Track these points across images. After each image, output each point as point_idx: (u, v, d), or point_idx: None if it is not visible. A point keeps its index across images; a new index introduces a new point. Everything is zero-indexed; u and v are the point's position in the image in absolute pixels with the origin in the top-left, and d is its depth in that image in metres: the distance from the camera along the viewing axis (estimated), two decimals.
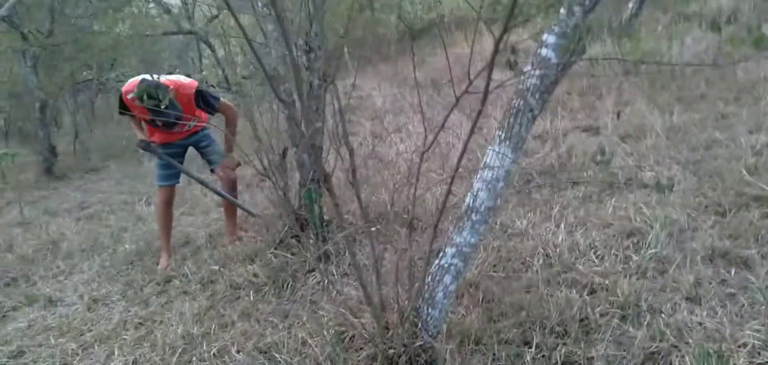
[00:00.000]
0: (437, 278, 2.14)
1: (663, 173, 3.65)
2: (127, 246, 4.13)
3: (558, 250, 2.95)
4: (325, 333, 2.42)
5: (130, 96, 3.40)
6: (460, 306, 2.54)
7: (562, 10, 2.16)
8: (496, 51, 1.46)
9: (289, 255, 3.33)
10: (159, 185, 3.76)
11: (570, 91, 6.07)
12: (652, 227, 3.00)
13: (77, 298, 3.44)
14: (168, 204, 3.80)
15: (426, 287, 2.15)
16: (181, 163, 3.79)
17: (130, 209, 5.35)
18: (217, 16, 10.59)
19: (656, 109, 4.76)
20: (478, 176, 2.18)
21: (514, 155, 2.16)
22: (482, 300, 2.58)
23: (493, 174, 2.14)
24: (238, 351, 2.52)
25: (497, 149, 2.16)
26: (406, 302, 2.08)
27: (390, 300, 2.17)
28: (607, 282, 2.58)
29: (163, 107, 3.27)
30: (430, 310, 2.13)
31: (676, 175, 3.58)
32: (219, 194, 3.80)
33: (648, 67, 5.41)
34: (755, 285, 2.39)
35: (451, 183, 1.96)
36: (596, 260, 2.80)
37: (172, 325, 2.83)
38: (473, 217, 2.14)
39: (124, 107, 3.51)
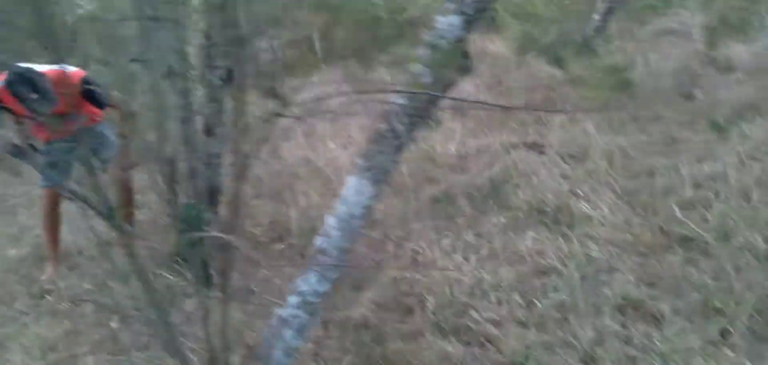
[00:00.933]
0: (276, 332, 1.82)
1: (596, 201, 3.35)
2: (13, 252, 3.76)
3: (460, 288, 2.64)
4: None
5: None
6: (328, 349, 2.23)
7: (440, 18, 1.84)
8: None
9: (170, 277, 3.00)
10: (43, 186, 3.40)
11: (527, 102, 5.78)
12: (565, 266, 2.71)
13: None
14: (55, 207, 3.43)
15: (263, 342, 1.83)
16: (70, 163, 3.43)
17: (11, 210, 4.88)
18: None
19: (607, 128, 4.46)
20: (333, 211, 1.86)
21: (376, 188, 1.85)
22: (357, 346, 2.27)
23: (347, 210, 1.83)
24: None
25: (355, 181, 1.84)
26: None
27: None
28: (499, 333, 2.28)
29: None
30: None
31: (607, 205, 3.28)
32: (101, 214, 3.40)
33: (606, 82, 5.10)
34: (658, 347, 2.09)
35: None
36: (495, 304, 2.49)
37: (14, 355, 2.50)
38: (323, 261, 1.82)
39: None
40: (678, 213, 2.96)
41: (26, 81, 2.96)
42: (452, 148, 4.49)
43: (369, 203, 1.84)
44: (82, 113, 3.18)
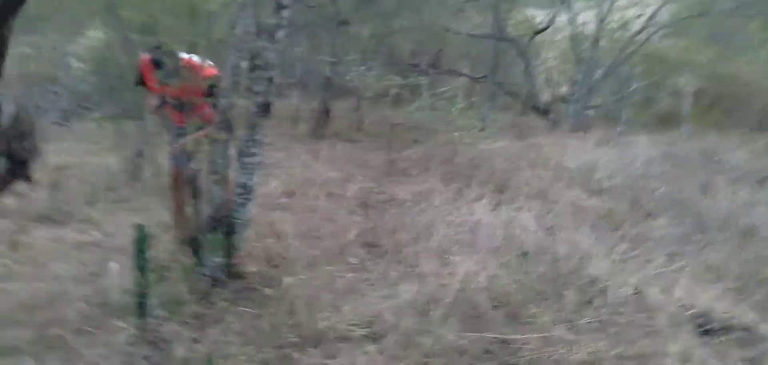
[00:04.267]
0: None
1: None
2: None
3: None
4: None
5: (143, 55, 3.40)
6: None
7: None
8: None
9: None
10: (170, 164, 3.64)
11: None
12: None
13: None
14: (178, 184, 3.62)
15: None
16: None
17: None
18: (544, 30, 9.89)
19: None
20: None
21: None
22: None
23: None
24: None
25: None
26: None
27: None
28: None
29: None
30: None
31: None
32: None
33: None
34: None
35: None
36: None
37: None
38: None
39: (140, 77, 3.49)
40: None
41: (164, 56, 3.27)
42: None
43: None
44: (203, 106, 3.38)
